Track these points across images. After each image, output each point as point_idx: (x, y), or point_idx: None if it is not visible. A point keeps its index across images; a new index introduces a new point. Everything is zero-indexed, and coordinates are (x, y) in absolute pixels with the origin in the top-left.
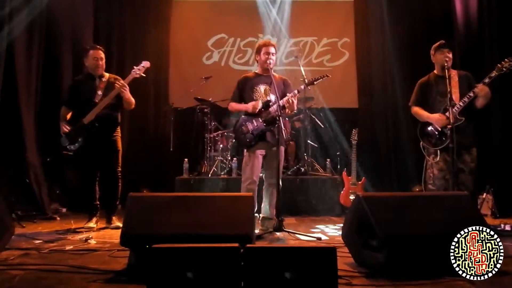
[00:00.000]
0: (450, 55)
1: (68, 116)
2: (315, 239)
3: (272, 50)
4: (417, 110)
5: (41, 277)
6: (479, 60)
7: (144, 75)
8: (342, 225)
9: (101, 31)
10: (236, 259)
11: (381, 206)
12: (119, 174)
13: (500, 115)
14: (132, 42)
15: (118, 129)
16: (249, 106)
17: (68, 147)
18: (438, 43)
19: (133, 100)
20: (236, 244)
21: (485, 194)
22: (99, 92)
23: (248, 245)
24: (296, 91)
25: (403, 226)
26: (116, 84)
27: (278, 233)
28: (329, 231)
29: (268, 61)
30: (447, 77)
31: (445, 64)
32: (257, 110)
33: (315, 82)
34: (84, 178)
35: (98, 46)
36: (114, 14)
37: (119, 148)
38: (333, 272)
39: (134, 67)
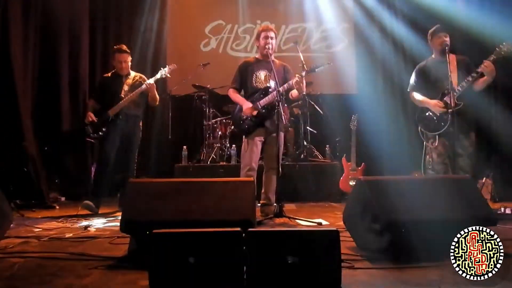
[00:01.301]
0: (448, 39)
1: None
2: (315, 224)
3: (271, 34)
4: (416, 96)
5: (41, 265)
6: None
7: (169, 75)
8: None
9: (98, 19)
10: (238, 243)
11: (383, 190)
12: (135, 166)
13: (501, 100)
14: (129, 30)
15: (140, 124)
16: (244, 106)
17: (92, 135)
18: (434, 27)
19: (158, 97)
20: (238, 228)
21: (484, 178)
22: (126, 88)
23: (250, 229)
24: (303, 73)
25: (406, 210)
26: (144, 84)
27: (278, 219)
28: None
29: (267, 46)
30: (448, 61)
31: (445, 48)
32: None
33: (316, 70)
34: (100, 164)
35: (124, 49)
36: (111, 1)
37: (138, 139)
38: (337, 255)
39: (161, 68)
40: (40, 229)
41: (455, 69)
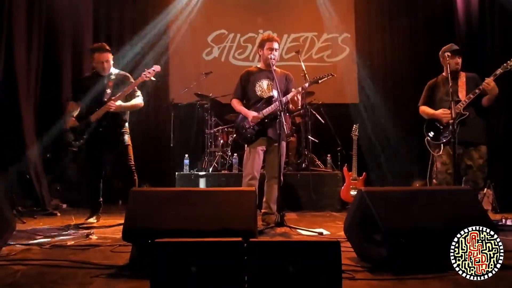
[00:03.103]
0: (460, 60)
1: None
2: (316, 234)
3: (275, 45)
4: (424, 109)
5: (43, 273)
6: (480, 56)
7: (154, 78)
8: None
9: (101, 27)
10: (239, 253)
11: (384, 201)
12: (133, 167)
13: (502, 111)
14: (132, 38)
15: (126, 126)
16: (249, 115)
17: (73, 143)
18: (450, 46)
19: (133, 104)
20: (240, 238)
21: (485, 189)
22: (108, 91)
23: (251, 239)
24: (300, 88)
25: (406, 220)
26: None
27: (279, 228)
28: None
29: (270, 56)
30: (451, 79)
31: (458, 69)
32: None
33: (319, 81)
34: (89, 175)
35: (105, 48)
36: (114, 9)
37: (129, 143)
38: (337, 266)
39: (145, 69)
40: (42, 236)
41: (463, 85)
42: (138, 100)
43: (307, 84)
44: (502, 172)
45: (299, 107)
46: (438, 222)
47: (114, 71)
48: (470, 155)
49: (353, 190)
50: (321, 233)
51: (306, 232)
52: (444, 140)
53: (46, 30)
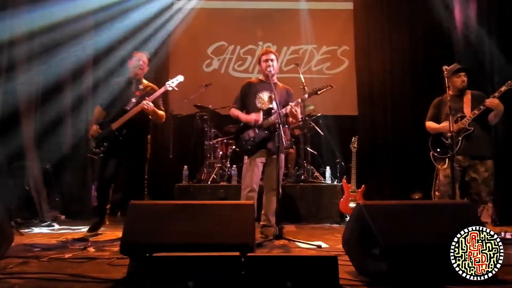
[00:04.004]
0: (466, 78)
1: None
2: (315, 247)
3: (271, 56)
4: (429, 124)
5: (40, 286)
6: (479, 68)
7: (177, 88)
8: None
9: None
10: (237, 267)
11: (382, 215)
12: (145, 183)
13: (500, 125)
14: (133, 49)
15: (147, 138)
16: (250, 119)
17: (94, 150)
18: (454, 66)
19: (161, 114)
20: (237, 253)
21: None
22: (133, 100)
23: (249, 254)
24: (299, 100)
25: (405, 235)
26: (142, 102)
27: (278, 241)
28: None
29: (268, 69)
30: (457, 97)
31: (463, 87)
32: (259, 122)
33: (318, 92)
34: (101, 180)
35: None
36: None
37: (146, 157)
38: (335, 281)
39: (169, 79)
40: (40, 249)
41: (469, 102)
42: (162, 112)
43: (306, 96)
44: (502, 185)
45: (299, 120)
46: (436, 237)
47: (144, 81)
48: (476, 169)
49: (352, 203)
50: (319, 246)
51: (305, 245)
52: (449, 154)
53: (48, 46)
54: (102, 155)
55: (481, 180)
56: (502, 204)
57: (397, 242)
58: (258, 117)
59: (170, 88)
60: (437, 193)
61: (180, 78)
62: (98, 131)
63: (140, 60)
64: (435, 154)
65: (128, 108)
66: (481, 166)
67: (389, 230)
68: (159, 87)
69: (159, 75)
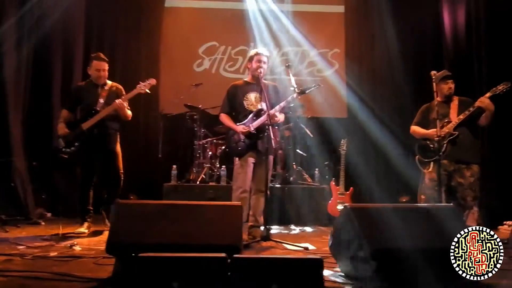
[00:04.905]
0: (453, 85)
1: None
2: (302, 248)
3: (264, 59)
4: (415, 128)
5: (24, 285)
6: (467, 75)
7: (149, 91)
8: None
9: (93, 36)
10: (223, 269)
11: (369, 218)
12: (122, 176)
13: (488, 130)
14: (124, 48)
15: (117, 136)
16: (238, 130)
17: (64, 149)
18: (443, 73)
19: (129, 113)
20: (223, 254)
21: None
22: (101, 100)
23: (235, 255)
24: (294, 95)
25: (391, 238)
26: (115, 102)
27: (265, 242)
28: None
29: (259, 70)
30: (444, 103)
31: (450, 93)
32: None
33: (306, 91)
34: (80, 182)
35: (102, 57)
36: (106, 19)
37: (119, 152)
38: (320, 283)
39: (140, 82)
40: (24, 247)
41: (455, 107)
42: (129, 112)
43: (295, 95)
44: (487, 189)
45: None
46: (422, 240)
47: (108, 82)
48: (462, 173)
49: (340, 205)
50: (306, 248)
51: (292, 246)
52: (434, 158)
53: (37, 38)
54: (76, 155)
55: (467, 185)
56: (487, 209)
57: (383, 245)
58: (245, 132)
59: (142, 91)
60: (422, 196)
61: (152, 81)
62: (66, 130)
63: (99, 69)
64: (421, 158)
65: (98, 109)
66: (467, 171)
67: (375, 233)
68: (150, 88)
69: (150, 74)
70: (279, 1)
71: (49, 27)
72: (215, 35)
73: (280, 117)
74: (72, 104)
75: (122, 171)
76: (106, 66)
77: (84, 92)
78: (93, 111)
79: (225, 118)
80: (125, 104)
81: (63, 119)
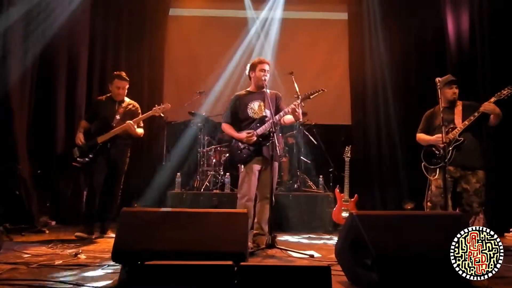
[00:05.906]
0: (457, 90)
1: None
2: (308, 256)
3: (267, 67)
4: (420, 136)
5: None
6: (471, 79)
7: (162, 115)
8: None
9: (97, 44)
10: (229, 277)
11: (375, 225)
12: (119, 193)
13: (493, 136)
14: (128, 56)
15: (128, 151)
16: (242, 136)
17: (78, 159)
18: (447, 77)
19: (140, 132)
20: (230, 262)
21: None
22: (117, 117)
23: (241, 263)
24: (299, 100)
25: (397, 245)
26: (126, 123)
27: (270, 250)
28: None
29: (263, 78)
30: (448, 108)
31: (455, 98)
32: (251, 141)
33: (311, 97)
34: (89, 190)
35: (124, 76)
36: (110, 28)
37: (124, 170)
38: None
39: (156, 105)
40: (29, 255)
41: (460, 113)
42: (141, 130)
43: (299, 101)
44: (493, 195)
45: (300, 120)
46: (428, 247)
47: (126, 99)
48: (467, 179)
49: (345, 212)
50: (312, 256)
51: (297, 254)
52: (440, 165)
53: (41, 47)
54: (88, 165)
55: (473, 191)
56: (493, 215)
57: (389, 253)
58: (252, 137)
59: (156, 114)
60: (429, 203)
61: (167, 106)
62: (83, 141)
63: (119, 87)
64: (427, 165)
65: (114, 125)
66: (473, 177)
67: (381, 240)
68: (153, 97)
69: (153, 82)
70: (282, 9)
71: (54, 35)
72: (218, 43)
73: (298, 115)
74: (91, 116)
75: (121, 188)
76: (126, 85)
77: (102, 107)
78: (109, 126)
79: (226, 128)
80: (135, 125)
81: (82, 129)
